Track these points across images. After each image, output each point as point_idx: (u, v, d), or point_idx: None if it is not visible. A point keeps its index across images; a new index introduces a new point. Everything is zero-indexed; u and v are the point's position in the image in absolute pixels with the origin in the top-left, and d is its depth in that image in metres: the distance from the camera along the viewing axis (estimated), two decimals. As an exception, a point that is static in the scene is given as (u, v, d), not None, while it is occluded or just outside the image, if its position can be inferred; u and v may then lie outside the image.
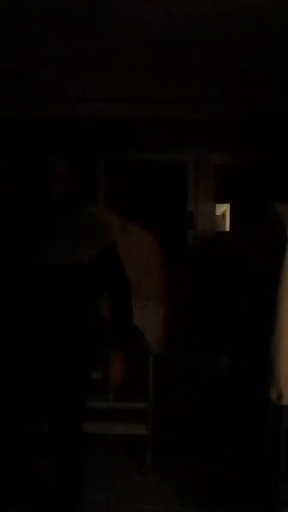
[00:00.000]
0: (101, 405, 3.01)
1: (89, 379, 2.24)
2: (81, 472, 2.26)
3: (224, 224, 4.52)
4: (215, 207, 4.38)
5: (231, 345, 3.46)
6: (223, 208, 4.51)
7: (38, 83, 4.02)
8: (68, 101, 4.13)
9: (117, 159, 4.39)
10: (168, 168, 4.44)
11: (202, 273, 4.10)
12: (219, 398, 3.46)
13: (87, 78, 3.97)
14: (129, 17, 3.01)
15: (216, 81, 3.95)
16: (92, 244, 2.12)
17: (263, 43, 3.28)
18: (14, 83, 4.01)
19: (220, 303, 3.72)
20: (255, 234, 3.10)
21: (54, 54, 3.57)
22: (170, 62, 3.70)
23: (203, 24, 3.09)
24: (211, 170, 4.32)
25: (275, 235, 2.45)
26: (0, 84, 3.96)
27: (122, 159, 4.40)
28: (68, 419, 2.18)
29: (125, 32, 3.22)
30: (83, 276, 2.06)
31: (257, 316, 2.95)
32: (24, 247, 2.08)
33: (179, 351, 3.50)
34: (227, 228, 4.49)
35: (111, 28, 3.16)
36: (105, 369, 2.13)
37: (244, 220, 4.26)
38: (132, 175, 4.42)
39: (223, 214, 4.52)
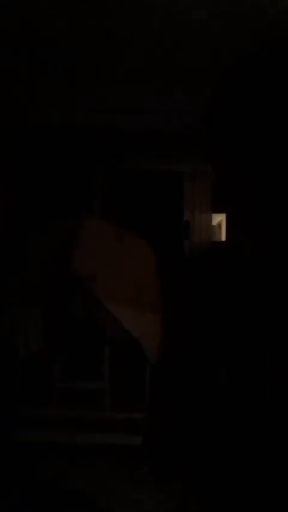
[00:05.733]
0: (98, 415, 3.01)
1: None
2: None
3: (221, 234, 4.54)
4: (211, 216, 4.40)
5: (228, 354, 3.48)
6: (219, 218, 4.53)
7: (39, 91, 4.04)
8: (67, 110, 4.16)
9: (114, 168, 4.41)
10: (164, 178, 4.46)
11: (198, 283, 4.12)
12: (217, 408, 3.47)
13: (88, 88, 3.99)
14: (131, 28, 3.05)
15: (214, 92, 4.00)
16: None
17: (257, 52, 3.34)
18: (15, 91, 4.02)
19: (217, 312, 3.74)
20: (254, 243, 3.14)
21: (55, 62, 3.60)
22: (169, 72, 3.74)
23: (201, 36, 3.14)
24: (207, 180, 4.35)
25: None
26: (2, 92, 3.97)
27: (119, 169, 4.42)
28: None
29: (125, 42, 3.25)
30: None
31: (254, 324, 2.98)
32: None
33: (176, 360, 3.51)
34: (223, 238, 4.51)
35: (113, 38, 3.20)
36: None
37: (240, 230, 4.29)
38: (130, 185, 4.44)
39: (219, 224, 4.54)
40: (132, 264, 3.09)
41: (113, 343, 3.05)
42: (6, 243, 3.83)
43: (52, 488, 2.77)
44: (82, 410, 3.05)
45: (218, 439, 3.25)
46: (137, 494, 2.79)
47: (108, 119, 4.27)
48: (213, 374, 3.62)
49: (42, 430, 3.00)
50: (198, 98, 4.07)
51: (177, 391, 3.64)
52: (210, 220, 4.39)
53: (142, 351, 2.97)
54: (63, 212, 3.55)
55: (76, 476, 2.89)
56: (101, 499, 2.70)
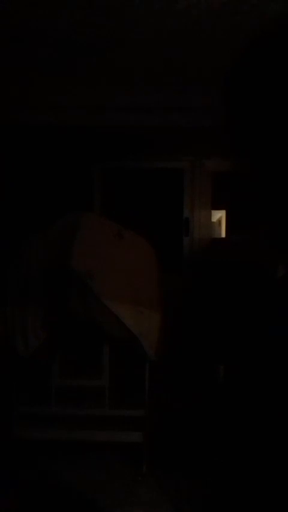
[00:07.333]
0: (97, 412, 3.00)
1: None
2: None
3: (220, 230, 4.53)
4: (211, 213, 4.39)
5: (227, 352, 3.46)
6: (219, 215, 4.52)
7: (35, 91, 4.05)
8: (66, 110, 4.17)
9: (114, 166, 4.41)
10: (164, 175, 4.46)
11: (198, 280, 4.10)
12: (215, 406, 3.46)
13: (85, 88, 4.00)
14: (129, 26, 3.05)
15: (213, 90, 3.99)
16: None
17: (259, 52, 3.33)
18: (12, 92, 4.04)
19: (216, 310, 3.73)
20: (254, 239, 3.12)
21: (52, 63, 3.60)
22: (168, 72, 3.74)
23: (202, 35, 3.14)
24: (207, 177, 4.34)
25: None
26: (0, 92, 3.99)
27: (118, 166, 4.42)
28: None
29: (124, 42, 3.25)
30: None
31: (254, 322, 2.96)
32: None
33: (175, 358, 3.49)
34: (223, 235, 4.50)
35: (110, 36, 3.20)
36: None
37: (239, 227, 4.28)
38: (129, 182, 4.44)
39: (219, 221, 4.54)
40: (131, 261, 3.08)
41: (113, 341, 3.03)
42: (6, 243, 3.84)
43: (51, 487, 2.76)
44: (81, 408, 3.04)
45: (218, 437, 3.24)
46: (136, 493, 2.78)
47: (107, 118, 4.28)
48: (212, 372, 3.60)
49: (42, 428, 3.00)
50: (198, 96, 4.07)
51: (176, 389, 3.63)
52: (210, 217, 4.38)
53: (141, 349, 2.95)
54: (63, 212, 3.55)
55: (76, 475, 2.89)
56: (101, 499, 2.68)
